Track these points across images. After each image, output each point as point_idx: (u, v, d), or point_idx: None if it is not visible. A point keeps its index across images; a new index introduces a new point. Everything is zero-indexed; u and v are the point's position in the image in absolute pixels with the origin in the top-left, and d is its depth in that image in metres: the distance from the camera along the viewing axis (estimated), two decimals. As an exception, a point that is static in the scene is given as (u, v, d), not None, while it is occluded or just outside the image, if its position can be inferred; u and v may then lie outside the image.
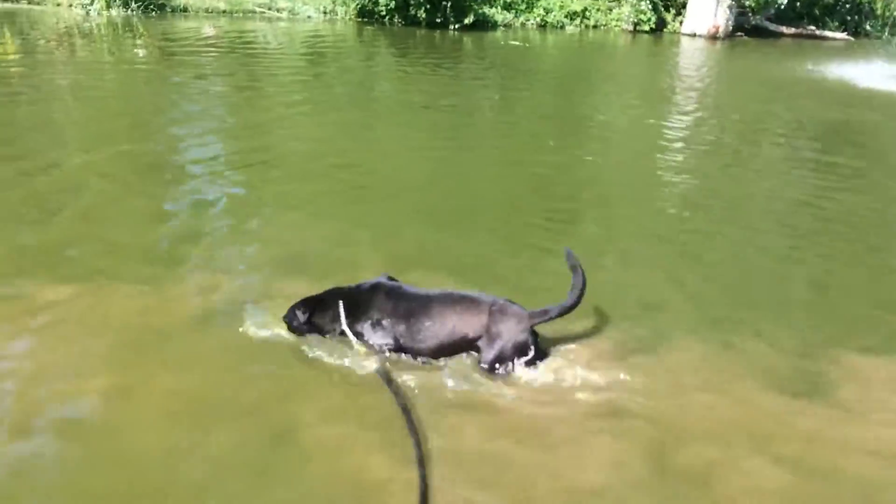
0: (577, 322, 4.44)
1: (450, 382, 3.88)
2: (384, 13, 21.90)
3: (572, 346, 4.30)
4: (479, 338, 3.91)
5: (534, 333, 3.98)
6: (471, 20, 22.23)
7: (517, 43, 20.75)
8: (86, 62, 13.83)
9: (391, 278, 4.24)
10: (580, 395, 3.88)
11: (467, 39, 20.62)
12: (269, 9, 22.78)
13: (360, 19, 22.49)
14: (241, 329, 4.30)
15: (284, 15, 22.68)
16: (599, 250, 5.90)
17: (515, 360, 3.88)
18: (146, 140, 8.70)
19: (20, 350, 4.05)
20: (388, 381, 3.71)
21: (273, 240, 5.80)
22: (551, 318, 3.93)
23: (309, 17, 22.76)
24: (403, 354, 4.02)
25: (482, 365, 3.91)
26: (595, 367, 4.10)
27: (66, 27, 17.98)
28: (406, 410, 3.46)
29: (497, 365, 3.89)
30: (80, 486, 3.11)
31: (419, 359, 4.01)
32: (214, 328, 4.39)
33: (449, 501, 3.10)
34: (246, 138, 9.01)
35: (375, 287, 4.09)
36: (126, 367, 3.97)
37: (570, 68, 18.11)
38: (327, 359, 4.01)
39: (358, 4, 22.25)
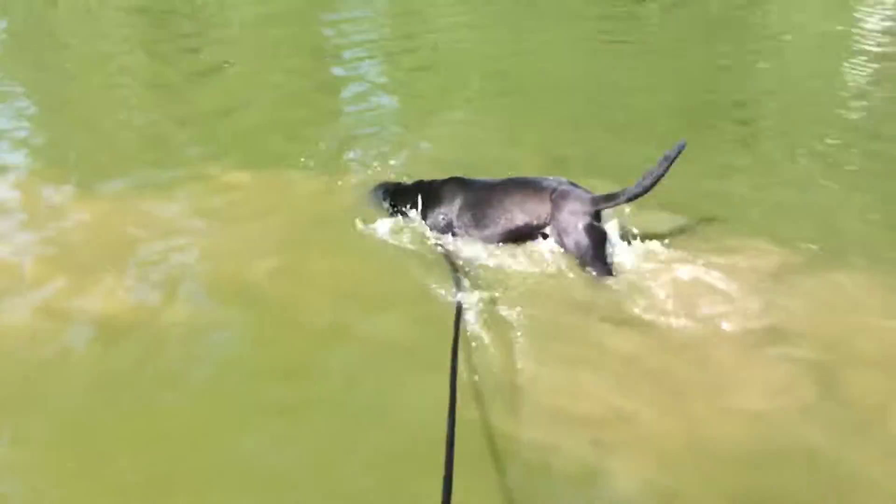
0: (740, 240, 4.16)
1: (577, 293, 3.69)
2: None
3: (737, 261, 4.02)
4: (543, 225, 3.75)
5: (598, 217, 3.70)
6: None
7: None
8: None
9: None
10: (736, 313, 3.63)
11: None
12: None
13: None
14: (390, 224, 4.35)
15: None
16: (776, 168, 5.42)
17: (592, 245, 3.64)
18: (306, 22, 8.89)
19: (201, 227, 4.38)
20: (458, 317, 3.35)
21: (437, 138, 5.80)
22: (618, 203, 3.65)
23: None
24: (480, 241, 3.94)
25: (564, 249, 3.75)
26: (755, 286, 3.82)
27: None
28: (455, 351, 3.05)
29: (578, 251, 3.69)
30: (256, 360, 3.34)
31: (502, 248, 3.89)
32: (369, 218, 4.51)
33: (597, 407, 3.05)
34: (402, 25, 8.97)
35: (448, 181, 4.12)
36: (293, 248, 4.19)
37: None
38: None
39: None
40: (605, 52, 8.52)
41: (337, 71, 7.40)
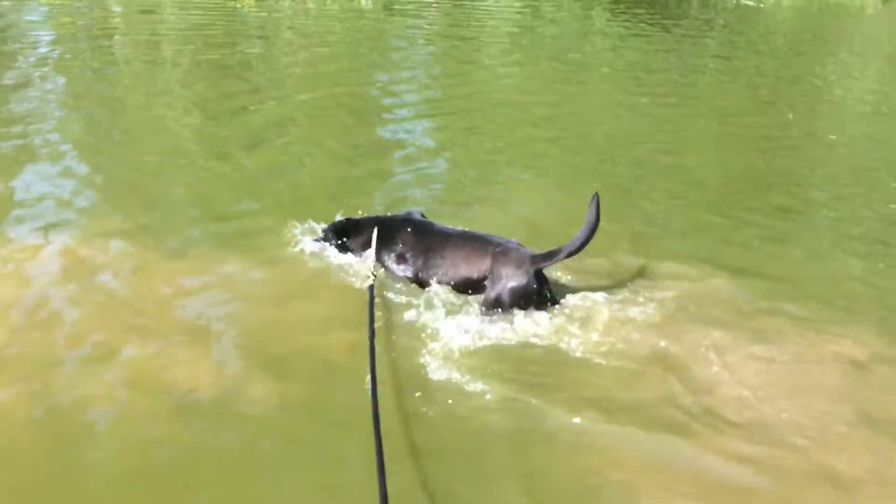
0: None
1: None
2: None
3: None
4: (483, 278, 3.84)
5: (540, 277, 3.78)
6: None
7: (751, 3, 19.03)
8: (314, 10, 14.64)
9: (422, 215, 4.35)
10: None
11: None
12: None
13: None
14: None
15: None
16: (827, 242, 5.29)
17: (514, 304, 3.74)
18: (358, 84, 9.06)
19: (263, 293, 4.12)
20: (371, 303, 3.65)
21: (488, 200, 5.70)
22: (558, 261, 3.73)
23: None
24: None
25: (481, 307, 3.81)
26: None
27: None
28: (371, 336, 3.36)
29: (493, 308, 3.77)
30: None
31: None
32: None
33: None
34: (451, 86, 9.08)
35: (404, 221, 4.21)
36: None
37: (806, 32, 16.32)
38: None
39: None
40: (657, 113, 8.47)
41: (386, 132, 7.45)
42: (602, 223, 3.70)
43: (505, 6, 16.60)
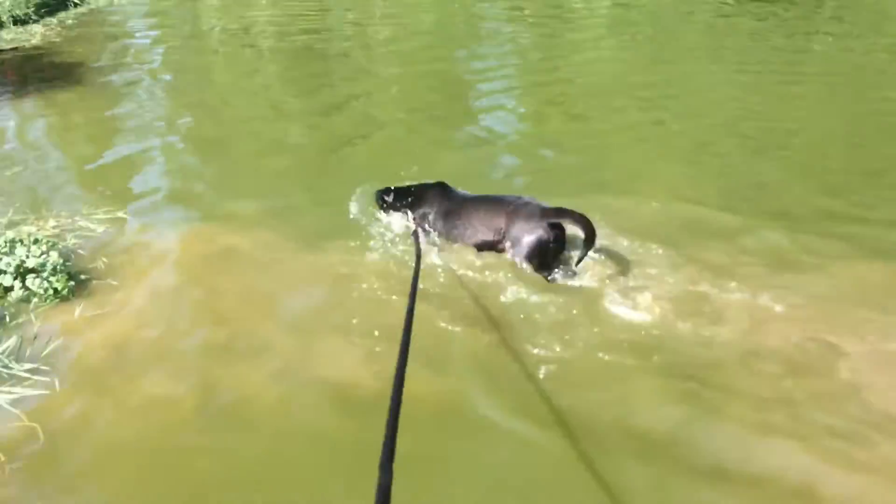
0: None
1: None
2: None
3: None
4: (501, 239, 3.93)
5: (556, 228, 3.79)
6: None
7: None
8: None
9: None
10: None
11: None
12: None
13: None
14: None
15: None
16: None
17: (533, 257, 3.80)
18: (449, 61, 8.97)
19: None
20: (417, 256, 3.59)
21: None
22: (566, 218, 3.73)
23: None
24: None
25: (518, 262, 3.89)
26: None
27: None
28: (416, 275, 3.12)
29: (523, 263, 3.84)
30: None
31: None
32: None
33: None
34: (548, 70, 8.77)
35: (433, 187, 4.35)
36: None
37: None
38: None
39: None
40: (752, 82, 7.89)
41: (489, 119, 7.22)
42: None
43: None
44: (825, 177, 5.35)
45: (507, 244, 3.92)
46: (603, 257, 3.96)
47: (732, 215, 4.58)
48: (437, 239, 4.21)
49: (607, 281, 3.79)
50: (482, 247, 4.03)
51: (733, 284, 3.73)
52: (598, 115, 6.99)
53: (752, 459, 2.75)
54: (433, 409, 3.00)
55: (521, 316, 3.54)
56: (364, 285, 3.80)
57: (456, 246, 4.13)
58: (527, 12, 12.63)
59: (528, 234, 3.80)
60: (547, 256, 3.81)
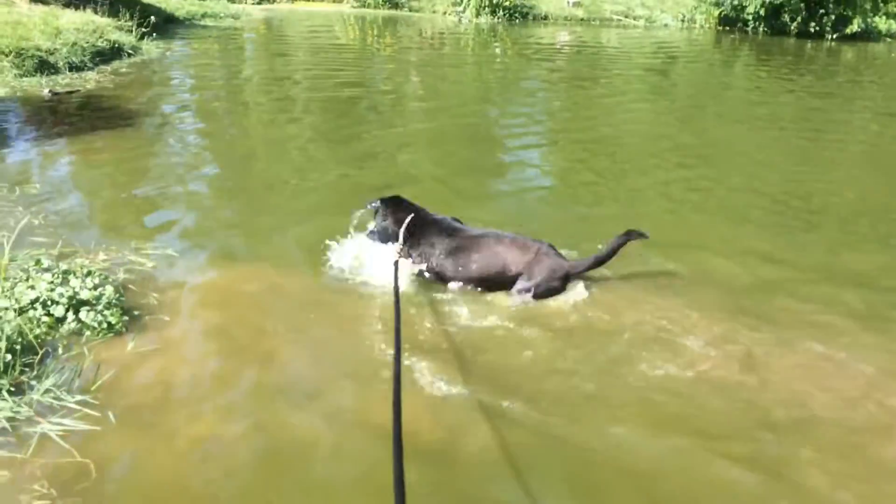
0: None
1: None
2: (750, 20, 20.27)
3: None
4: (519, 274, 4.18)
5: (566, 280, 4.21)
6: (854, 30, 19.49)
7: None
8: (449, 55, 15.06)
9: (455, 219, 4.53)
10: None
11: (846, 50, 18.08)
12: (626, 16, 22.61)
13: (720, 27, 21.19)
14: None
15: (641, 23, 22.34)
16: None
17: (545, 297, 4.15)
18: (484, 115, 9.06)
19: None
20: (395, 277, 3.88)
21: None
22: (588, 269, 4.22)
23: (666, 24, 22.12)
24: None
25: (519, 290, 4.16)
26: None
27: (438, 31, 19.86)
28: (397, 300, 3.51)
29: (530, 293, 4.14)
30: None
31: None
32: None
33: None
34: (578, 130, 8.86)
35: (441, 220, 4.47)
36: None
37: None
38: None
39: (721, 12, 20.94)
40: (775, 139, 7.87)
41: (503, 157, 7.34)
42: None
43: (635, 50, 16.33)
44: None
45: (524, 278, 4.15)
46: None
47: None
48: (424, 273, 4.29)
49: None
50: (493, 281, 4.20)
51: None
52: (631, 171, 7.08)
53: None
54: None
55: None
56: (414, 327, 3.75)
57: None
58: (563, 74, 12.83)
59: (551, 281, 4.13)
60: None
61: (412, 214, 4.40)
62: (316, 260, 4.50)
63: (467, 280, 4.22)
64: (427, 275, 4.31)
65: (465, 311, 4.01)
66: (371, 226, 4.57)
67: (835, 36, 19.53)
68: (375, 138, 7.85)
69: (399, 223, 4.38)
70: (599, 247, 4.26)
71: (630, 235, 4.16)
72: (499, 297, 4.16)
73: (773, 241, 5.26)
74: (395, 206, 4.49)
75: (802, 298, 4.33)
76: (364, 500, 2.70)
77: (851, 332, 3.93)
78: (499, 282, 4.20)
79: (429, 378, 3.36)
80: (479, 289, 4.21)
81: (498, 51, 16.20)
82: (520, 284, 4.15)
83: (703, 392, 3.35)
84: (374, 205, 4.53)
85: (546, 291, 4.12)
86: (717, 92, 12.55)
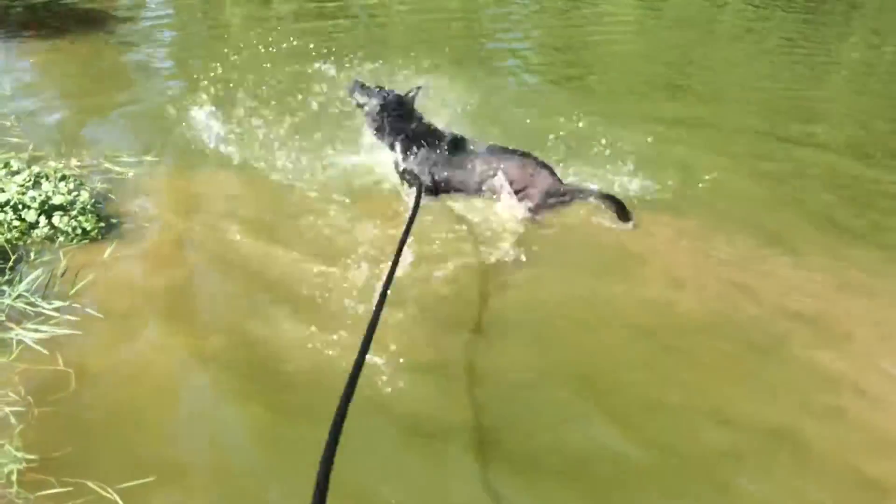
0: None
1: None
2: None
3: None
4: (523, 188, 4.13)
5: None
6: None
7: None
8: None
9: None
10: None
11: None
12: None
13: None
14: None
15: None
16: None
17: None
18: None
19: None
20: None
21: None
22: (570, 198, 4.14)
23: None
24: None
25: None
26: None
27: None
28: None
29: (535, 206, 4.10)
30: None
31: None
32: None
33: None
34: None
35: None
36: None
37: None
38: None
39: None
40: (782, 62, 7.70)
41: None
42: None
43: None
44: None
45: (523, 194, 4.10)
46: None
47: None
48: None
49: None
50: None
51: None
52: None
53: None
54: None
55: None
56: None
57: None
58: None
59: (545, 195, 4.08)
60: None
61: (413, 124, 4.23)
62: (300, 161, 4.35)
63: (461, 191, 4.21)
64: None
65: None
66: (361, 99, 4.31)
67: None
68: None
69: (397, 132, 4.20)
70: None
71: (607, 201, 4.01)
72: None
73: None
74: (395, 111, 4.22)
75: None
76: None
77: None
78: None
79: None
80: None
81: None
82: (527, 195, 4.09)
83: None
84: (356, 93, 4.30)
85: (541, 203, 4.08)
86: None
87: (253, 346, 2.88)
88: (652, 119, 5.64)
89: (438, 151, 4.20)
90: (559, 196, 4.12)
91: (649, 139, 4.95)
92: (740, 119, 6.03)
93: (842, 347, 3.11)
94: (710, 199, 4.31)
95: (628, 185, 4.30)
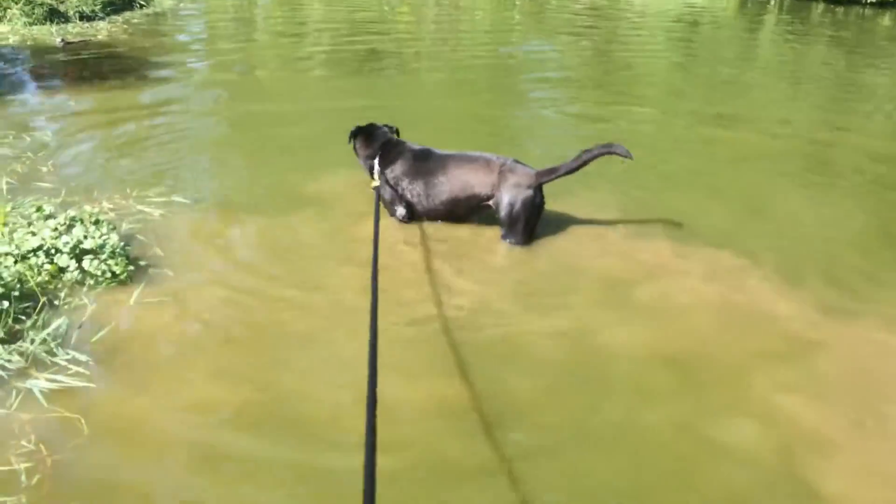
0: None
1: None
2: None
3: None
4: (490, 196, 4.04)
5: (540, 190, 4.04)
6: (890, -5, 18.69)
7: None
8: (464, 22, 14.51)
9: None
10: None
11: (882, 19, 17.36)
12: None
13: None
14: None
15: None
16: None
17: (524, 215, 3.98)
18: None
19: None
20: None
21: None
22: (558, 177, 4.00)
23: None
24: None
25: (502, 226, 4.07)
26: None
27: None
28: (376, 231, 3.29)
29: (510, 222, 4.01)
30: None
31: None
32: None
33: None
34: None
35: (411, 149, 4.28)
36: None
37: None
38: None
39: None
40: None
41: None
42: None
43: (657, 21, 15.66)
44: None
45: (495, 201, 4.01)
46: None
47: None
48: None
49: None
50: (467, 204, 4.08)
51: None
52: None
53: None
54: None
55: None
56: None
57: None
58: (587, 42, 12.33)
59: (522, 193, 3.95)
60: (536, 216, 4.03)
61: (381, 143, 4.24)
62: (327, 208, 4.36)
63: (438, 211, 4.15)
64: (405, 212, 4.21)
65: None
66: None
67: (871, 0, 18.74)
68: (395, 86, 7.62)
69: (371, 157, 4.23)
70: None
71: (611, 148, 3.89)
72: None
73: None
74: (364, 138, 4.31)
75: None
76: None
77: None
78: (471, 206, 4.10)
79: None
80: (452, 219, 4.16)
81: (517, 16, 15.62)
82: (499, 210, 3.97)
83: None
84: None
85: (522, 207, 3.92)
86: (743, 58, 12.01)
87: (282, 402, 2.76)
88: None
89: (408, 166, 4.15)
90: (534, 187, 3.95)
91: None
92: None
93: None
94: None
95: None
